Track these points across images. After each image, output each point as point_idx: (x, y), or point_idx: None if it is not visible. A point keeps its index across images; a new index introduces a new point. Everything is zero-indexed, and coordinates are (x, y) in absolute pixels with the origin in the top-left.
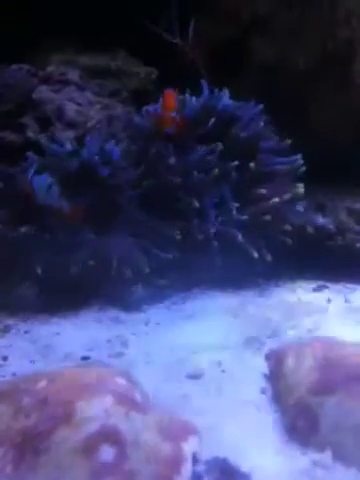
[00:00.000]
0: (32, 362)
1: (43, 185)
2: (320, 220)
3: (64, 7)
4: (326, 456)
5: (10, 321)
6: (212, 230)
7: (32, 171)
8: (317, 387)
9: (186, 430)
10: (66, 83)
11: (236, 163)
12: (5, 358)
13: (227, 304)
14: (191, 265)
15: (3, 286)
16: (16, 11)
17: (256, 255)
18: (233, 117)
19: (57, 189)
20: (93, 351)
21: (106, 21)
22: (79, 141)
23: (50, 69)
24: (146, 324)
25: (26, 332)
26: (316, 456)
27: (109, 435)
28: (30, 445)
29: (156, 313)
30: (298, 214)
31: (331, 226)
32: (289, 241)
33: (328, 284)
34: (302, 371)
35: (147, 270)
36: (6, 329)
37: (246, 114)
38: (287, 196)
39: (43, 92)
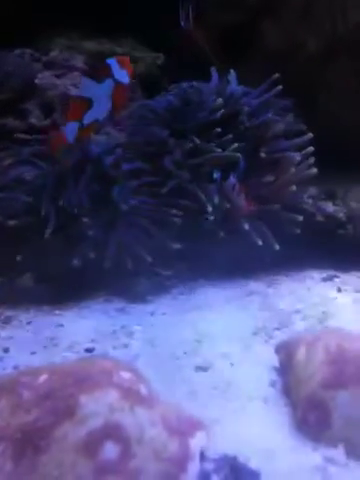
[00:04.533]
0: (34, 354)
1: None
2: (330, 208)
3: None
4: (339, 452)
5: (11, 312)
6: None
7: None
8: (329, 381)
9: (193, 426)
10: (70, 68)
11: (241, 154)
12: (6, 350)
13: (235, 295)
14: (198, 255)
15: (5, 277)
16: None
17: (260, 243)
18: (241, 104)
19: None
20: (97, 343)
21: (111, 6)
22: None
23: (53, 54)
24: (152, 315)
25: (28, 323)
26: (328, 452)
27: (113, 431)
28: (30, 442)
29: (162, 304)
30: (308, 202)
31: (341, 214)
32: (297, 231)
33: (338, 274)
34: (314, 364)
35: (151, 260)
36: (7, 320)
37: (255, 100)
38: (296, 184)
39: (46, 78)
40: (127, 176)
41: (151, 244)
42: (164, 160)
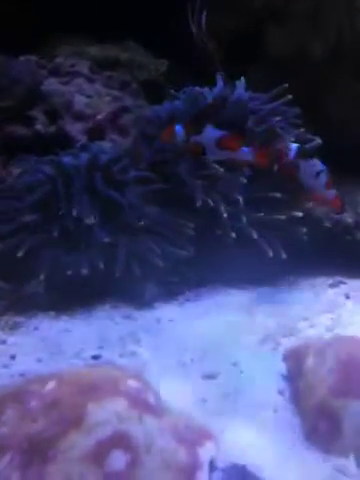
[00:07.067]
0: (40, 361)
1: (312, 170)
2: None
3: None
4: (350, 462)
5: (19, 318)
6: (228, 227)
7: (294, 149)
8: (340, 389)
9: (202, 435)
10: (75, 75)
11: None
12: (13, 357)
13: (242, 301)
14: (206, 262)
15: (12, 282)
16: (25, 2)
17: (271, 254)
18: (248, 109)
19: (325, 178)
20: (104, 349)
21: (116, 12)
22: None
23: (59, 60)
24: (158, 321)
25: (35, 329)
26: (339, 462)
27: (121, 441)
28: (38, 451)
29: (169, 310)
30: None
31: (349, 220)
32: (305, 238)
33: (346, 280)
34: (323, 371)
35: (160, 265)
36: (15, 326)
37: (263, 107)
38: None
39: (52, 84)
40: (135, 183)
41: (159, 250)
42: (178, 168)
